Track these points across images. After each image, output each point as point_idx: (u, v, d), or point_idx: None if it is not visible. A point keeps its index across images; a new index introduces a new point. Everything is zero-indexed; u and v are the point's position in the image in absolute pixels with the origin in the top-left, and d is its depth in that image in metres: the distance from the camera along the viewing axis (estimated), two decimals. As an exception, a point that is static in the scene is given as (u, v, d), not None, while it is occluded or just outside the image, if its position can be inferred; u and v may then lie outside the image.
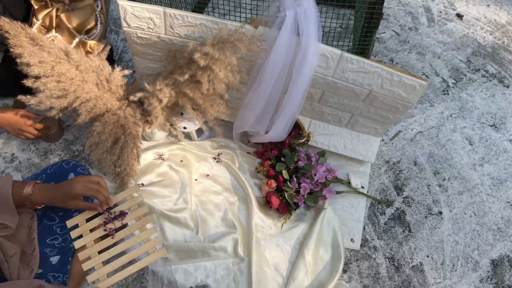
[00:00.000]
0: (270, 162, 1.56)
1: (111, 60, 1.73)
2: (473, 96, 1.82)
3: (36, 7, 1.51)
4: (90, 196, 1.22)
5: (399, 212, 1.53)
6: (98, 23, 1.51)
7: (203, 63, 1.20)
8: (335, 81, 1.34)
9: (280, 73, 1.30)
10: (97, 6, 1.54)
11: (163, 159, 1.60)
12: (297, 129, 1.57)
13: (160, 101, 1.34)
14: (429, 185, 1.59)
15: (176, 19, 1.25)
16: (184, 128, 1.56)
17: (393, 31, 2.02)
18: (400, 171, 1.62)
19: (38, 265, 1.23)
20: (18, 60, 1.23)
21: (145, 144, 1.65)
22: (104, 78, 1.34)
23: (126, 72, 1.37)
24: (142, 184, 1.54)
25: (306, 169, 1.50)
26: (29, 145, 1.66)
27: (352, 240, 1.48)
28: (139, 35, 1.33)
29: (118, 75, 1.36)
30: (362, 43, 1.35)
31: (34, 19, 1.52)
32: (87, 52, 1.45)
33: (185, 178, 1.56)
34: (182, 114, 1.53)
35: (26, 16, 1.60)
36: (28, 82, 1.27)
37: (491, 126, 1.74)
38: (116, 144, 1.36)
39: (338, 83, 1.34)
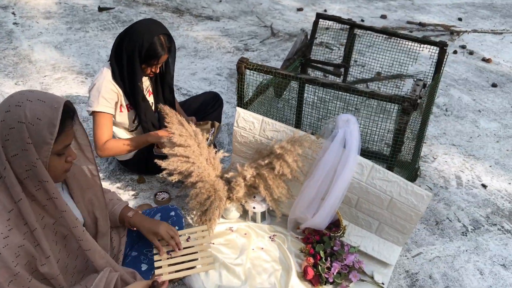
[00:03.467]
0: (312, 244, 2.02)
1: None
2: (487, 241, 2.21)
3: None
4: (165, 239, 1.76)
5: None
6: (209, 139, 2.30)
7: (279, 151, 1.85)
8: (367, 186, 1.89)
9: (328, 171, 1.89)
10: (211, 130, 2.36)
11: (232, 231, 2.14)
12: (337, 228, 2.06)
13: (245, 177, 1.97)
14: (440, 293, 1.91)
15: (268, 125, 1.97)
16: (254, 207, 2.13)
17: (427, 186, 2.57)
18: (416, 279, 1.98)
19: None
20: (167, 134, 1.97)
21: (221, 220, 2.21)
22: (212, 157, 2.04)
23: (226, 154, 2.07)
24: (213, 243, 2.06)
25: (339, 253, 1.94)
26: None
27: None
28: (242, 133, 2.06)
29: (219, 156, 2.05)
30: (390, 161, 1.94)
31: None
32: None
33: (245, 246, 2.07)
34: (254, 197, 2.13)
35: None
36: (165, 150, 1.99)
37: (501, 265, 2.08)
38: (208, 199, 1.96)
39: (369, 188, 1.90)
